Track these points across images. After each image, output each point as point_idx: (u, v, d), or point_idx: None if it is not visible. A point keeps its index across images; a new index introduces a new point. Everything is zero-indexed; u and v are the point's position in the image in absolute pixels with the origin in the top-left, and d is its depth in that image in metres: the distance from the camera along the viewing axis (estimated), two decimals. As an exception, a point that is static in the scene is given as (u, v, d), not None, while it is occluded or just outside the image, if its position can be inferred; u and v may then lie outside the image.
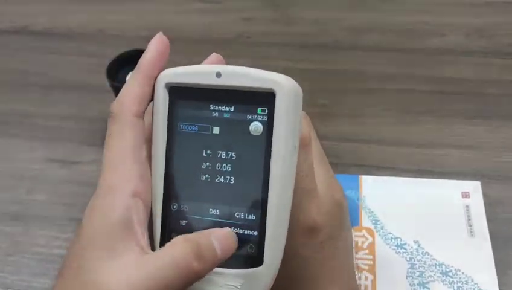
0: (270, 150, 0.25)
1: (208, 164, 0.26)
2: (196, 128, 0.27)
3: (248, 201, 0.26)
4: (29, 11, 0.74)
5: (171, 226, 0.27)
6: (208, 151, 0.27)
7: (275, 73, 0.26)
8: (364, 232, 0.45)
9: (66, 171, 0.53)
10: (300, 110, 0.26)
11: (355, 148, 0.51)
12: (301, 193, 0.27)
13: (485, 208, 0.45)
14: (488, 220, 0.44)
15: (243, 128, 0.26)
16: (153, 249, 0.26)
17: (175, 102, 0.27)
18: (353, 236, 0.44)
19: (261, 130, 0.26)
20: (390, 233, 0.45)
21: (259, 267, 0.26)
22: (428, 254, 0.43)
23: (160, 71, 0.28)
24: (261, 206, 0.26)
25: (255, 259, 0.26)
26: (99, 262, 0.24)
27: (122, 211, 0.25)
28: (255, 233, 0.26)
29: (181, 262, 0.24)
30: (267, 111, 0.26)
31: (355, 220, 0.45)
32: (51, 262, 0.46)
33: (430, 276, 0.42)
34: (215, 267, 0.26)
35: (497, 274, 0.41)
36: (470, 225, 0.44)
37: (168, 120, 0.27)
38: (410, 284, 0.42)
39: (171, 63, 0.50)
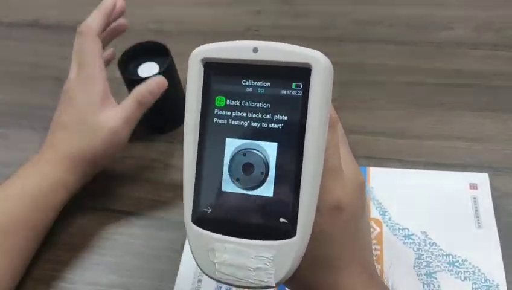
0: (304, 124, 0.26)
1: (241, 138, 0.27)
2: (230, 103, 0.27)
3: (282, 173, 0.26)
4: (40, 4, 0.75)
5: (203, 199, 0.27)
6: (242, 125, 0.27)
7: (310, 49, 0.26)
8: (372, 223, 0.45)
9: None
10: (331, 87, 0.27)
11: (363, 140, 0.52)
12: (326, 171, 0.27)
13: (493, 199, 0.45)
14: (496, 211, 0.45)
15: (277, 103, 0.26)
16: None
17: (210, 77, 0.27)
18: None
19: (296, 105, 0.26)
20: (397, 224, 0.45)
21: (293, 239, 0.26)
22: (436, 245, 0.43)
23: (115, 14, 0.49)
24: (294, 178, 0.26)
25: (287, 230, 0.26)
26: (98, 112, 0.46)
27: (102, 86, 0.47)
28: (289, 204, 0.26)
29: (134, 101, 0.47)
30: (301, 86, 0.26)
31: (363, 211, 0.46)
32: (63, 251, 0.47)
33: (437, 266, 0.42)
34: (153, 99, 0.47)
35: (504, 264, 0.42)
36: (477, 217, 0.45)
37: (203, 95, 0.27)
38: (417, 274, 0.42)
39: (178, 56, 0.50)
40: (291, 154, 0.26)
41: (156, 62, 0.53)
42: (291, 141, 0.26)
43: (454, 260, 0.42)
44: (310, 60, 0.26)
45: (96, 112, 0.46)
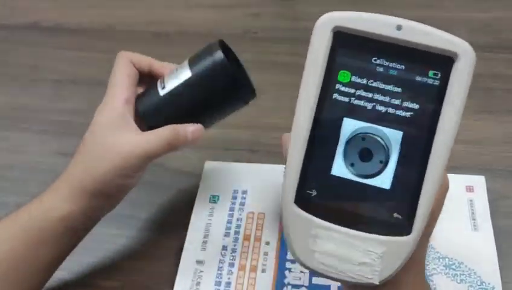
0: (437, 117, 0.24)
1: (363, 120, 0.25)
2: (356, 80, 0.25)
3: (404, 165, 0.24)
4: (40, 6, 0.75)
5: (309, 180, 0.25)
6: (366, 107, 0.25)
7: (457, 37, 0.24)
8: (369, 225, 0.46)
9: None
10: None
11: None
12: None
13: (489, 202, 0.46)
14: (492, 214, 0.45)
15: (410, 89, 0.24)
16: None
17: (337, 48, 0.25)
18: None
19: (430, 94, 0.24)
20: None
21: (407, 237, 0.24)
22: (432, 247, 0.44)
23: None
24: (417, 173, 0.24)
25: (401, 227, 0.24)
26: (111, 133, 0.39)
27: (121, 108, 0.40)
28: (407, 199, 0.24)
29: (163, 138, 0.39)
30: (439, 75, 0.24)
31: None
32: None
33: (434, 269, 0.42)
34: (185, 144, 0.38)
35: (500, 267, 0.42)
36: (474, 219, 0.45)
37: (326, 67, 0.25)
38: (413, 276, 0.42)
39: (179, 57, 0.50)
40: (417, 147, 0.24)
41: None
42: (420, 133, 0.24)
43: (450, 262, 0.43)
44: (458, 49, 0.24)
45: (108, 134, 0.39)
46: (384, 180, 0.24)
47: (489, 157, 0.49)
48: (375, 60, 0.24)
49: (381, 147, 0.24)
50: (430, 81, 0.24)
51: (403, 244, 0.24)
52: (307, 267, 0.25)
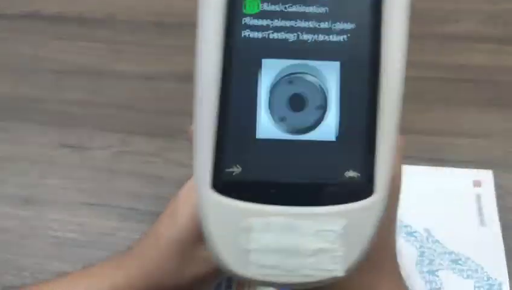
0: (379, 32, 0.19)
1: (285, 57, 0.19)
2: (267, 7, 0.19)
3: (348, 105, 0.19)
4: (40, -5, 0.74)
5: (228, 154, 0.19)
6: (286, 39, 0.19)
7: None
8: (374, 220, 0.45)
9: (78, 156, 0.53)
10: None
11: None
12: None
13: (497, 197, 0.45)
14: (500, 209, 0.44)
15: (339, 5, 0.19)
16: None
17: None
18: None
19: (366, 6, 0.19)
20: (400, 221, 0.45)
21: (370, 198, 0.18)
22: (439, 242, 0.43)
23: None
24: (367, 111, 0.19)
25: (360, 187, 0.18)
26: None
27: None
28: (360, 149, 0.18)
29: None
30: None
31: (365, 208, 0.46)
32: (64, 245, 0.47)
33: (440, 264, 0.42)
34: None
35: (507, 263, 0.41)
36: (481, 214, 0.44)
37: (228, 17, 0.19)
38: (419, 272, 0.42)
39: (179, 48, 0.49)
40: (361, 77, 0.19)
41: None
42: (362, 58, 0.19)
43: (457, 257, 0.42)
44: None
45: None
46: (327, 131, 0.18)
47: (497, 151, 0.49)
48: None
49: (316, 88, 0.19)
50: None
51: (367, 208, 0.18)
52: (243, 278, 0.18)
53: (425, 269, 0.42)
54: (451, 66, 0.57)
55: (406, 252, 0.43)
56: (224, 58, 0.19)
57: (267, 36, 0.19)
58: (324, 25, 0.19)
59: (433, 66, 0.57)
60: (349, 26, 0.19)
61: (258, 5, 0.19)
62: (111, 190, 0.51)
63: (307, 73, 0.19)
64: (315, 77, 0.19)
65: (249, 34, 0.19)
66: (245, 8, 0.19)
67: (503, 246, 0.42)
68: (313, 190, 0.18)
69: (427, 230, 0.44)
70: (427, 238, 0.43)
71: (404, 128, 0.52)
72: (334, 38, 0.19)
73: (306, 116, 0.19)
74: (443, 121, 0.52)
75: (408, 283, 0.41)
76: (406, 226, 0.44)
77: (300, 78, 0.19)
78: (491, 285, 0.40)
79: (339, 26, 0.19)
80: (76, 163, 0.53)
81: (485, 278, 0.41)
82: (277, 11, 0.19)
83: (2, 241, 0.48)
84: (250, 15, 0.19)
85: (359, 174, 0.18)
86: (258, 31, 0.19)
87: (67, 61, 0.64)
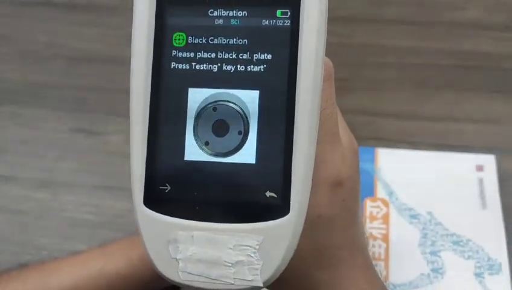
0: (295, 63, 0.20)
1: (210, 86, 0.21)
2: (193, 40, 0.21)
3: (267, 130, 0.20)
4: (51, -18, 0.75)
5: (159, 173, 0.21)
6: (211, 70, 0.21)
7: None
8: (379, 202, 0.46)
9: (92, 141, 0.55)
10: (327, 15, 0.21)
11: (372, 121, 0.52)
12: (323, 136, 0.22)
13: (499, 181, 0.46)
14: (501, 193, 0.45)
15: (258, 38, 0.20)
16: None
17: (165, 8, 0.21)
18: (368, 206, 0.46)
19: (283, 39, 0.20)
20: (404, 204, 0.46)
21: (285, 218, 0.20)
22: (441, 224, 0.44)
23: None
24: (284, 136, 0.20)
25: (277, 207, 0.20)
26: None
27: None
28: (278, 171, 0.20)
29: None
30: (289, 13, 0.20)
31: (370, 191, 0.47)
32: (80, 226, 0.49)
33: (442, 245, 0.43)
34: None
35: (507, 244, 0.43)
36: (483, 198, 0.45)
37: (156, 33, 0.21)
38: (422, 252, 0.43)
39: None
40: (279, 105, 0.20)
41: None
42: (279, 87, 0.20)
43: (458, 239, 0.43)
44: None
45: None
46: (247, 155, 0.20)
47: (499, 136, 0.50)
48: (211, 13, 0.20)
49: (237, 115, 0.20)
50: (279, 22, 0.20)
51: (282, 227, 0.19)
52: (174, 283, 0.21)
53: (427, 250, 0.43)
54: (457, 53, 0.57)
55: (410, 233, 0.44)
56: (155, 87, 0.21)
57: (193, 67, 0.21)
58: (243, 56, 0.20)
59: (440, 53, 0.58)
60: (267, 56, 0.20)
61: (185, 39, 0.21)
62: (124, 173, 0.52)
63: (229, 101, 0.20)
64: (236, 104, 0.20)
65: (176, 66, 0.21)
66: (174, 42, 0.21)
67: (503, 228, 0.43)
68: (234, 208, 0.20)
69: (429, 213, 0.45)
70: (430, 221, 0.45)
71: (410, 114, 0.53)
72: (253, 68, 0.20)
73: (228, 141, 0.20)
74: (448, 106, 0.53)
75: (411, 263, 0.43)
76: (409, 209, 0.46)
77: (223, 105, 0.20)
78: (491, 265, 0.42)
79: (257, 57, 0.20)
80: (90, 147, 0.54)
81: (486, 259, 0.42)
82: (202, 43, 0.21)
83: (20, 223, 0.49)
84: (178, 48, 0.21)
85: (276, 195, 0.20)
86: (185, 63, 0.21)
87: (79, 47, 0.65)
